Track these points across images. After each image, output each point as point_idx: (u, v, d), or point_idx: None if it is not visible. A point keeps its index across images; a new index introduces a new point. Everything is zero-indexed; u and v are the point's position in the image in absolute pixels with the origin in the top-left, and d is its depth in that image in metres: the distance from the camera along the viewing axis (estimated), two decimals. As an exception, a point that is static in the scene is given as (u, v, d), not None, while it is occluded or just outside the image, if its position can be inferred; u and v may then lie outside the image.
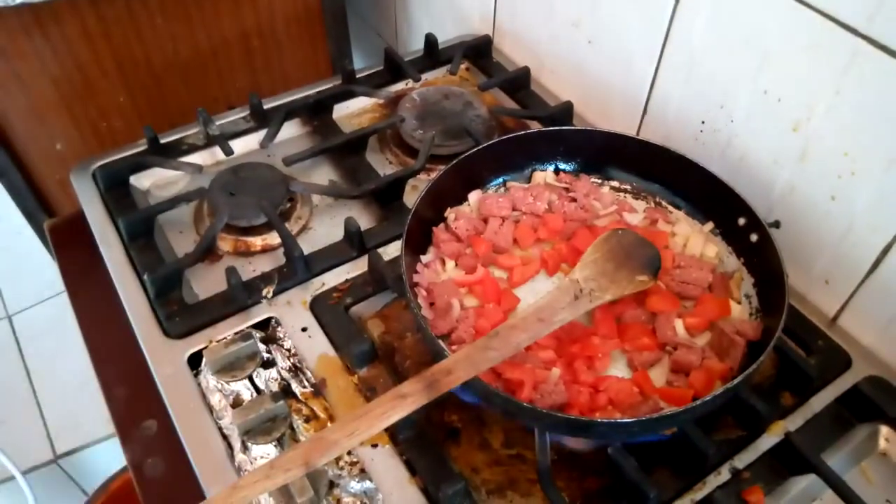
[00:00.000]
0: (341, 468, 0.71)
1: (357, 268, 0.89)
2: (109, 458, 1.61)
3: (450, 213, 0.88)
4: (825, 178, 0.79)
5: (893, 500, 0.70)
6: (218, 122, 1.06)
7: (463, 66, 1.21)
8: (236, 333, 0.81)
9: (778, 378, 0.78)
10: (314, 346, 0.81)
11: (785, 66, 0.78)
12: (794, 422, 0.74)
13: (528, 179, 0.94)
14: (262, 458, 0.72)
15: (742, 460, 0.71)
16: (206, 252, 0.90)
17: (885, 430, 0.74)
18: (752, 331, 0.74)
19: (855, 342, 0.82)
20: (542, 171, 0.94)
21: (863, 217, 0.77)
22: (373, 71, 1.19)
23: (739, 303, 0.80)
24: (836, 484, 0.67)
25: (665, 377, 0.74)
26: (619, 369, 0.75)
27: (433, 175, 0.86)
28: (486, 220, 0.87)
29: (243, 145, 1.06)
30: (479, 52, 1.22)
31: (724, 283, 0.81)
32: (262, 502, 0.68)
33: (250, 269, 0.90)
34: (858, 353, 0.80)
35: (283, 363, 0.80)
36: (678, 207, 0.90)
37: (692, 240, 0.85)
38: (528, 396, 0.68)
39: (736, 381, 0.65)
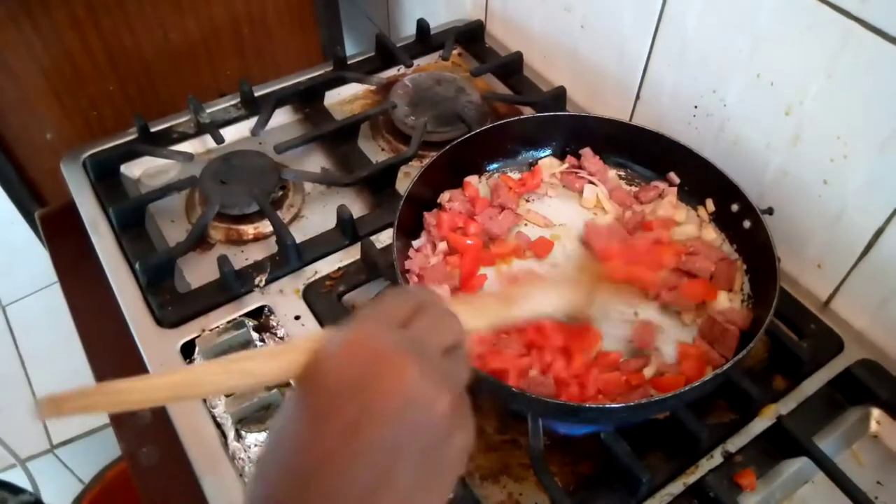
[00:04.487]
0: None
1: (350, 255, 0.88)
2: (105, 448, 1.61)
3: (445, 195, 0.88)
4: (818, 161, 0.78)
5: (884, 482, 0.71)
6: (208, 110, 1.06)
7: (455, 52, 1.21)
8: (229, 322, 0.81)
9: (770, 362, 0.78)
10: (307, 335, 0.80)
11: (778, 50, 0.78)
12: (786, 405, 0.75)
13: (525, 167, 0.94)
14: (255, 445, 0.72)
15: (734, 444, 0.72)
16: (198, 241, 0.90)
17: (876, 412, 0.75)
18: (742, 320, 0.74)
19: (847, 326, 0.82)
20: (544, 157, 0.94)
21: (855, 200, 0.76)
22: (364, 57, 1.18)
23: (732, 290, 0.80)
24: (827, 466, 0.68)
25: (656, 369, 0.73)
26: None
27: (425, 161, 0.85)
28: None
29: (234, 133, 1.05)
30: (471, 37, 1.22)
31: (730, 272, 0.80)
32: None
33: (242, 258, 0.90)
34: (850, 336, 0.81)
35: (276, 351, 0.79)
36: (671, 193, 0.90)
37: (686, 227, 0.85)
38: (514, 385, 0.68)
39: (725, 366, 0.65)
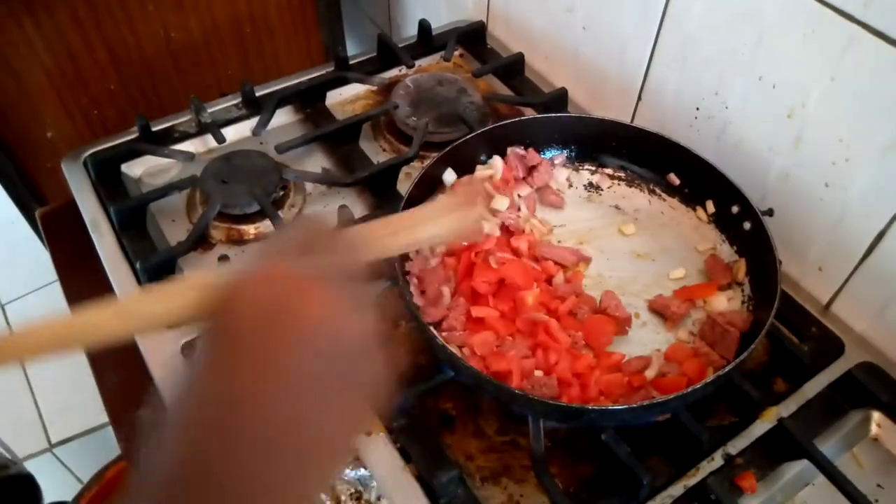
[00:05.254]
0: (335, 456, 0.71)
1: (351, 256, 0.88)
2: (104, 447, 1.61)
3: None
4: (819, 164, 0.78)
5: (884, 485, 0.71)
6: (210, 110, 1.05)
7: (457, 53, 1.20)
8: (230, 322, 0.81)
9: (771, 364, 0.78)
10: (308, 335, 0.80)
11: (780, 53, 0.78)
12: (787, 408, 0.75)
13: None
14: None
15: (735, 446, 0.72)
16: (199, 240, 0.90)
17: (876, 415, 0.75)
18: (742, 322, 0.74)
19: (848, 329, 0.82)
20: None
21: (856, 203, 0.76)
22: (366, 57, 1.18)
23: (731, 286, 0.80)
24: (828, 469, 0.68)
25: (657, 371, 0.74)
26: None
27: (427, 162, 0.85)
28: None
29: (235, 133, 1.05)
30: (473, 38, 1.21)
31: (723, 268, 0.81)
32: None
33: (244, 258, 0.89)
34: (851, 339, 0.81)
35: (276, 351, 0.79)
36: (672, 195, 0.90)
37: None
38: (517, 386, 0.68)
39: (726, 369, 0.65)
